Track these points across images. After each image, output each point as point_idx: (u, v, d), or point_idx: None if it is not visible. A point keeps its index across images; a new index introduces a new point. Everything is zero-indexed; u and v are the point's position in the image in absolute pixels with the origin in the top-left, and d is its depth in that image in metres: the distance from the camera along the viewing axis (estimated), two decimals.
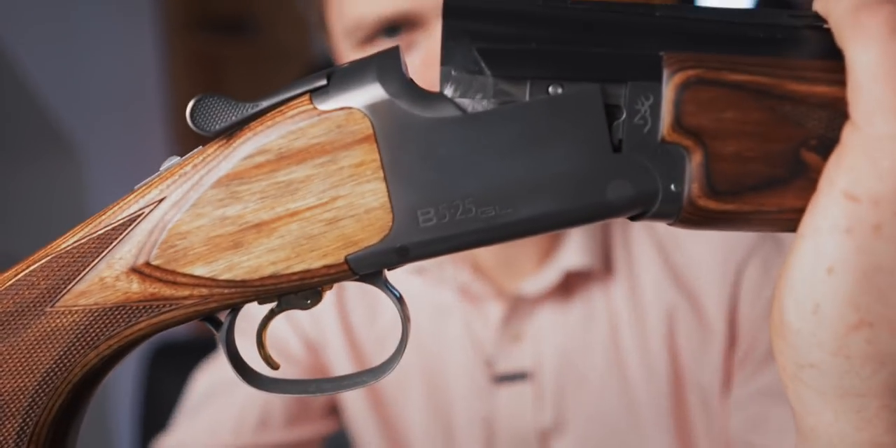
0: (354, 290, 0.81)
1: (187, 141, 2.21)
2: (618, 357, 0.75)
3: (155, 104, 2.25)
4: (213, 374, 0.82)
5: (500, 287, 0.77)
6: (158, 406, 1.00)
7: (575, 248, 0.74)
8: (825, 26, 0.32)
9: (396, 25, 0.64)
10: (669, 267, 0.75)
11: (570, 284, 0.76)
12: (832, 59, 0.31)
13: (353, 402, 0.81)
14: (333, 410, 0.84)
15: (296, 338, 0.81)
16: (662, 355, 0.74)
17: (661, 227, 0.76)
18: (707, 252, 0.75)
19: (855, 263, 0.29)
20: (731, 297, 0.74)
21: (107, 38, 2.08)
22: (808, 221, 0.30)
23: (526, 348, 0.76)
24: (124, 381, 1.80)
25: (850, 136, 0.29)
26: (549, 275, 0.74)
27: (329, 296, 0.81)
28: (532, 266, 0.76)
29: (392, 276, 0.85)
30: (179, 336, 1.52)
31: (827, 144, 0.31)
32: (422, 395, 0.80)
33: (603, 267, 0.76)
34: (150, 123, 2.21)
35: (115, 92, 2.11)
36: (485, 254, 0.77)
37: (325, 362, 0.82)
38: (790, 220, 0.32)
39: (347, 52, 0.68)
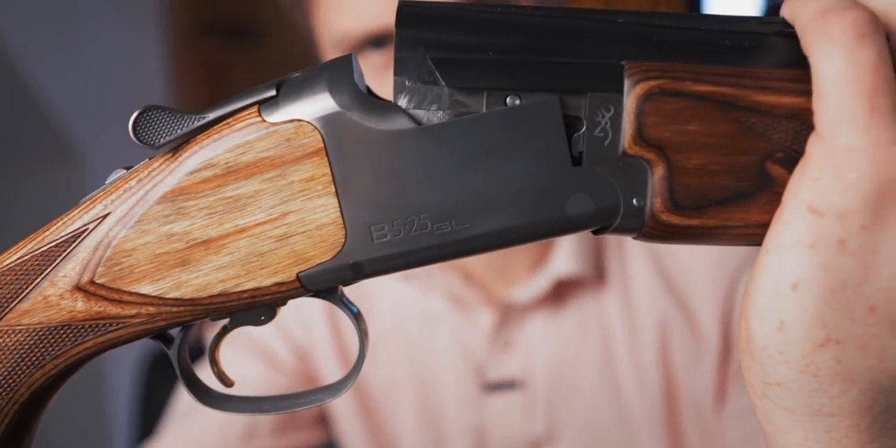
0: (347, 292, 0.80)
1: None
2: (610, 367, 0.74)
3: None
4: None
5: (491, 294, 0.76)
6: (156, 412, 0.99)
7: (566, 254, 0.73)
8: (792, 32, 0.30)
9: (382, 39, 0.63)
10: (663, 276, 0.74)
11: (562, 292, 0.75)
12: (800, 68, 0.29)
13: (343, 410, 0.80)
14: (322, 420, 0.83)
15: (284, 345, 0.80)
16: (655, 366, 0.73)
17: None
18: (701, 263, 0.73)
19: (820, 279, 0.28)
20: (725, 310, 0.73)
21: (112, 44, 2.08)
22: (773, 236, 0.29)
23: (516, 356, 0.75)
24: (123, 387, 1.80)
25: (815, 148, 0.28)
26: (540, 282, 0.73)
27: (319, 301, 0.80)
28: (523, 273, 0.75)
29: (380, 282, 0.83)
30: None
31: (793, 157, 0.30)
32: (412, 404, 0.79)
33: (595, 274, 0.74)
34: None
35: (119, 98, 2.12)
36: (475, 260, 0.76)
37: (314, 370, 0.81)
38: (756, 235, 0.30)
39: None
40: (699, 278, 0.73)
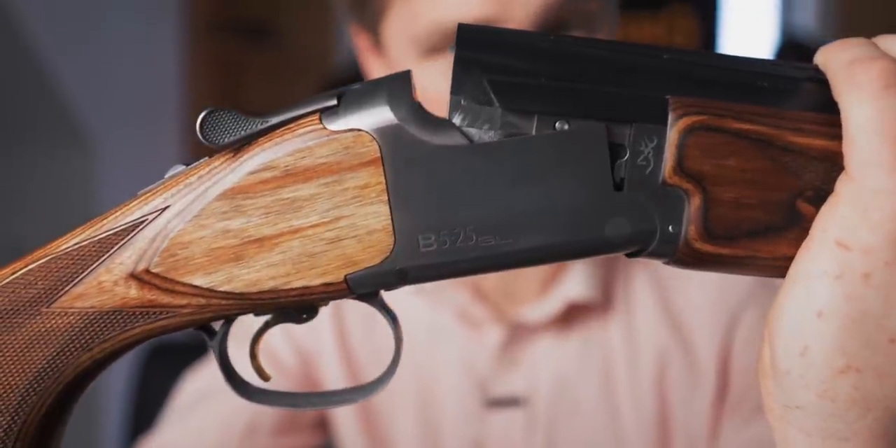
0: (352, 303, 0.80)
1: (200, 145, 2.22)
2: (609, 392, 0.75)
3: (172, 106, 2.27)
4: (205, 378, 0.82)
5: (500, 312, 0.77)
6: (150, 407, 1.00)
7: (579, 279, 0.74)
8: (825, 78, 0.32)
9: None
10: (666, 309, 0.75)
11: (571, 315, 0.76)
12: (831, 113, 0.31)
13: (344, 417, 0.81)
14: (322, 424, 0.84)
15: (289, 348, 0.81)
16: (652, 394, 0.74)
17: (663, 268, 0.75)
18: (704, 298, 0.75)
19: (844, 309, 0.30)
20: (724, 346, 0.74)
21: (129, 37, 2.10)
22: (800, 266, 0.31)
23: (521, 375, 0.76)
24: (116, 382, 1.80)
25: (844, 187, 0.30)
26: (552, 304, 0.74)
27: (326, 307, 0.81)
28: (533, 293, 0.76)
29: (392, 294, 0.84)
30: (176, 338, 1.52)
31: (822, 196, 0.31)
32: (413, 415, 0.79)
33: (603, 301, 0.75)
34: (165, 124, 2.23)
35: (134, 91, 2.13)
36: (487, 278, 0.77)
37: (317, 374, 0.81)
38: (782, 268, 0.32)
39: (407, 64, 0.63)
40: (700, 313, 0.75)
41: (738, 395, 0.73)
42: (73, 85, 1.91)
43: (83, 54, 1.95)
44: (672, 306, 0.75)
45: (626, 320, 0.75)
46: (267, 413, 0.78)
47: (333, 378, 0.80)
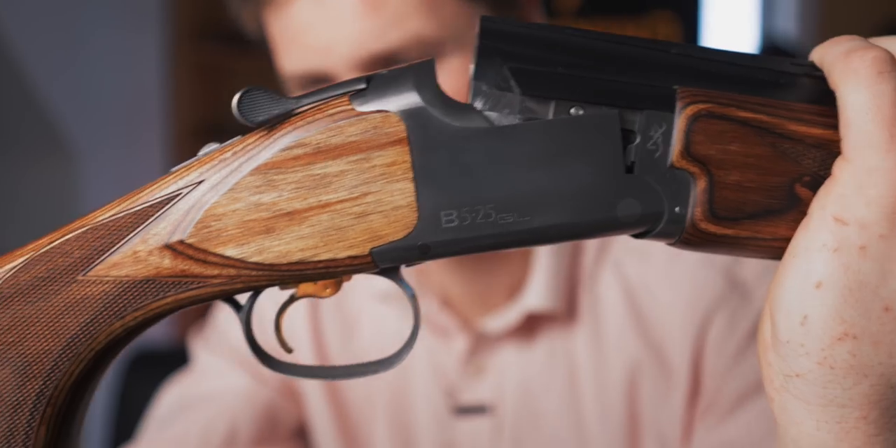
0: (330, 309, 0.81)
1: (183, 151, 2.22)
2: (575, 400, 0.76)
3: (156, 114, 2.27)
4: (184, 387, 0.82)
5: (466, 320, 0.78)
6: (131, 417, 0.99)
7: (540, 289, 0.74)
8: (820, 75, 0.35)
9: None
10: (636, 314, 0.76)
11: (533, 325, 0.76)
12: (827, 105, 0.34)
13: (321, 425, 0.82)
14: (301, 433, 0.84)
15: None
16: (621, 402, 0.75)
17: (633, 273, 0.77)
18: (674, 302, 0.75)
19: (841, 280, 0.32)
20: (696, 348, 0.74)
21: (113, 45, 2.10)
22: (800, 241, 0.33)
23: (488, 383, 0.77)
24: (98, 391, 1.78)
25: (841, 168, 0.33)
26: (511, 314, 0.75)
27: (302, 313, 0.81)
28: (499, 301, 0.77)
29: (361, 302, 0.84)
30: (157, 347, 1.51)
31: (819, 181, 0.34)
32: (386, 423, 0.80)
33: (567, 311, 0.76)
34: (148, 133, 2.23)
35: (117, 98, 2.13)
36: (454, 286, 0.78)
37: (296, 382, 0.82)
38: (781, 249, 0.34)
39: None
40: (672, 318, 0.75)
41: (710, 397, 0.74)
42: (56, 94, 1.92)
43: (66, 63, 1.95)
44: (642, 311, 0.76)
45: (594, 328, 0.76)
46: (246, 423, 0.79)
47: (311, 386, 0.81)
